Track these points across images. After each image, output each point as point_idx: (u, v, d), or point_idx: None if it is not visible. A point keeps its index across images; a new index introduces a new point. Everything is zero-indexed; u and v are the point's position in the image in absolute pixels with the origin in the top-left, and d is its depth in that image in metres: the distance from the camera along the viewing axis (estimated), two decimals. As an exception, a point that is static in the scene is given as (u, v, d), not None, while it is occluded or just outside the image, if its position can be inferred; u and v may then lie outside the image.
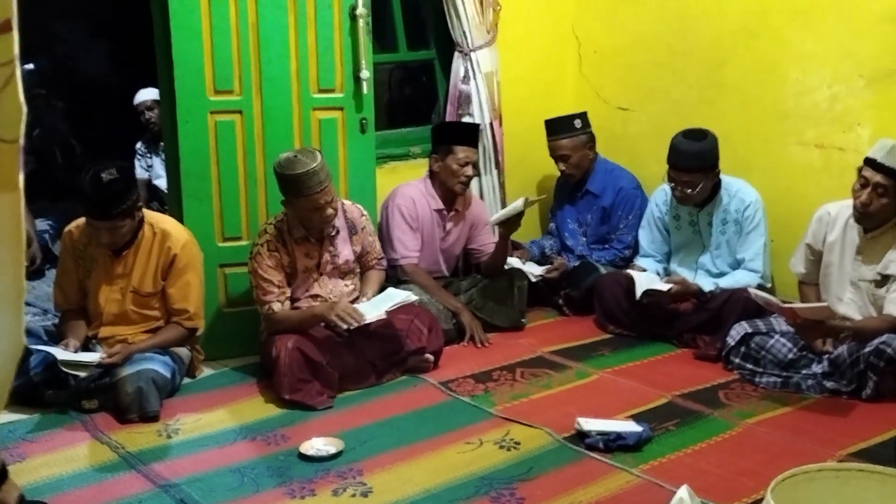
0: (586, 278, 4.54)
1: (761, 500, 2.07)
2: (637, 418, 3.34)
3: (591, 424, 3.22)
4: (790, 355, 3.68)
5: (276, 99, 4.04)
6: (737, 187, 4.20)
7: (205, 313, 3.87)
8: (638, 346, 4.16)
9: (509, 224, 4.33)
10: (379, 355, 3.81)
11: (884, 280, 3.64)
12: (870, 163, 3.54)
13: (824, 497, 2.07)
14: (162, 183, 5.72)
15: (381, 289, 3.98)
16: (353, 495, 2.87)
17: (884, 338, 3.49)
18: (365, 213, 4.03)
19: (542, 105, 5.10)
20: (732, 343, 3.80)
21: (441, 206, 4.44)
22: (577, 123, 4.77)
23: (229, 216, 4.05)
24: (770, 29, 4.38)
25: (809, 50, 4.23)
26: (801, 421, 3.37)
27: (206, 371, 3.95)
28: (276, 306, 3.73)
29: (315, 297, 3.85)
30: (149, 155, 6.10)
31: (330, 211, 3.70)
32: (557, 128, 4.77)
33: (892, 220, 3.61)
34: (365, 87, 4.17)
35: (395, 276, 4.30)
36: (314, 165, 3.57)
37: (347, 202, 4.00)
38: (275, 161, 3.67)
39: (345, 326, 3.62)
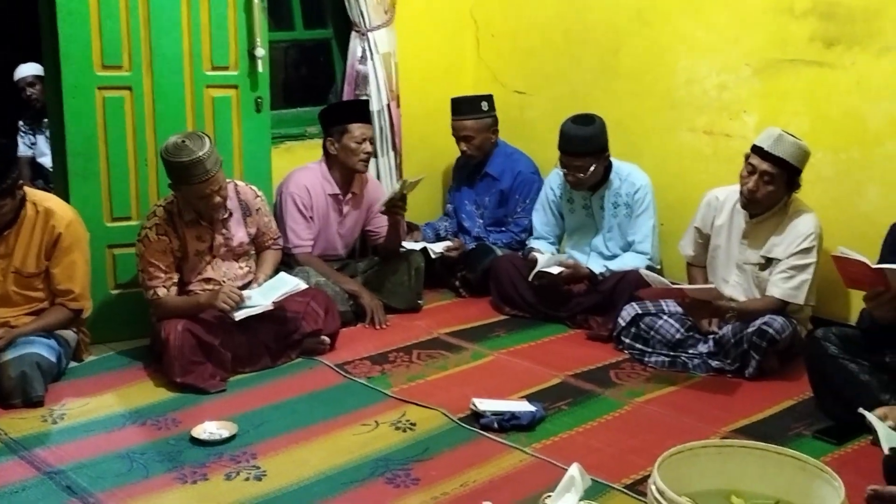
0: (483, 260, 4.58)
1: (649, 476, 2.13)
2: (531, 398, 3.40)
3: (485, 405, 3.26)
4: (678, 335, 3.79)
5: (168, 75, 3.94)
6: (627, 171, 4.29)
7: (92, 295, 3.75)
8: (532, 328, 4.22)
9: (394, 209, 4.32)
10: (273, 337, 3.76)
11: (767, 263, 3.78)
12: (757, 151, 3.66)
13: (707, 472, 2.14)
14: (47, 161, 5.54)
15: (277, 270, 3.93)
16: (247, 479, 2.84)
17: (766, 318, 3.63)
18: (260, 194, 3.96)
19: (440, 87, 5.11)
20: (623, 324, 3.89)
21: (337, 190, 4.40)
22: (484, 106, 4.79)
23: (118, 195, 3.94)
24: (662, 17, 4.48)
25: (700, 39, 4.34)
26: (688, 399, 3.48)
27: (93, 354, 3.84)
28: (161, 292, 3.65)
29: (208, 280, 3.79)
30: (32, 132, 5.87)
31: (217, 199, 3.63)
32: (464, 108, 4.78)
33: (777, 206, 3.75)
34: (260, 66, 4.11)
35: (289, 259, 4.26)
36: (201, 154, 3.49)
37: (241, 183, 3.94)
38: (162, 145, 3.59)
39: (229, 310, 3.57)
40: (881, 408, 2.46)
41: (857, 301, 3.60)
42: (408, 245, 4.56)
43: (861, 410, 2.42)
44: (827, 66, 3.89)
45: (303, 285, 3.80)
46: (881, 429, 2.31)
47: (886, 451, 2.29)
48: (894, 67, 3.69)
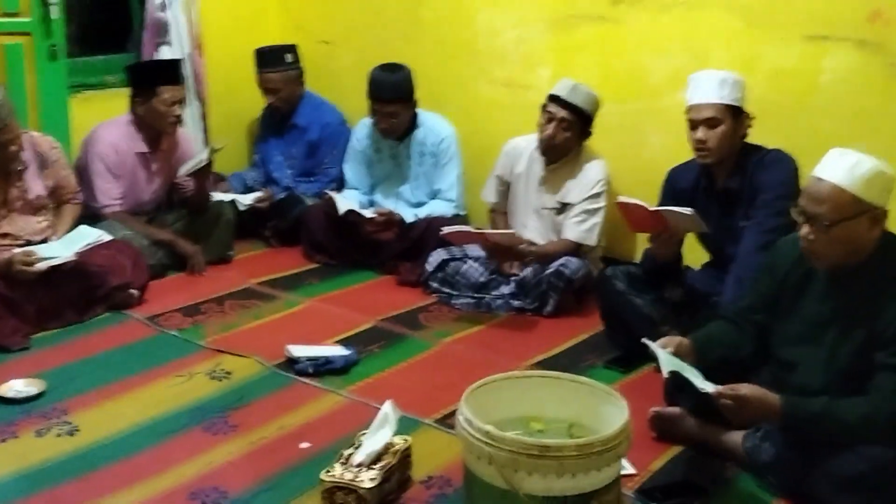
0: (293, 210, 4.62)
1: (457, 409, 2.27)
2: (344, 343, 3.50)
3: (300, 351, 3.33)
4: (482, 278, 3.99)
5: (-47, 22, 3.73)
6: (433, 122, 4.43)
7: None
8: (344, 275, 4.31)
9: (201, 173, 4.28)
10: (79, 291, 3.68)
11: (563, 208, 4.03)
12: (555, 99, 3.88)
13: (510, 401, 2.32)
14: None
15: (76, 224, 3.83)
16: (59, 435, 2.81)
17: (563, 260, 3.88)
18: (56, 145, 3.83)
19: (244, 36, 5.06)
20: (431, 269, 4.04)
21: (145, 148, 4.28)
22: (289, 58, 4.77)
23: None
24: (463, -29, 4.61)
25: (498, -7, 4.51)
26: (492, 337, 3.68)
27: None
28: (-52, 249, 3.50)
29: (4, 235, 3.64)
30: None
31: (11, 150, 3.49)
32: (268, 60, 4.74)
33: (571, 153, 3.99)
34: (53, 12, 3.94)
35: (93, 214, 4.13)
36: None
37: (37, 134, 3.80)
38: (-48, 95, 3.41)
39: (31, 273, 3.47)
40: (662, 338, 2.70)
41: (641, 241, 3.90)
42: (216, 196, 4.53)
43: (644, 340, 2.65)
44: (613, 22, 4.14)
45: (106, 237, 3.72)
46: (661, 356, 2.54)
47: (666, 376, 2.54)
48: (673, 24, 3.98)
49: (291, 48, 4.82)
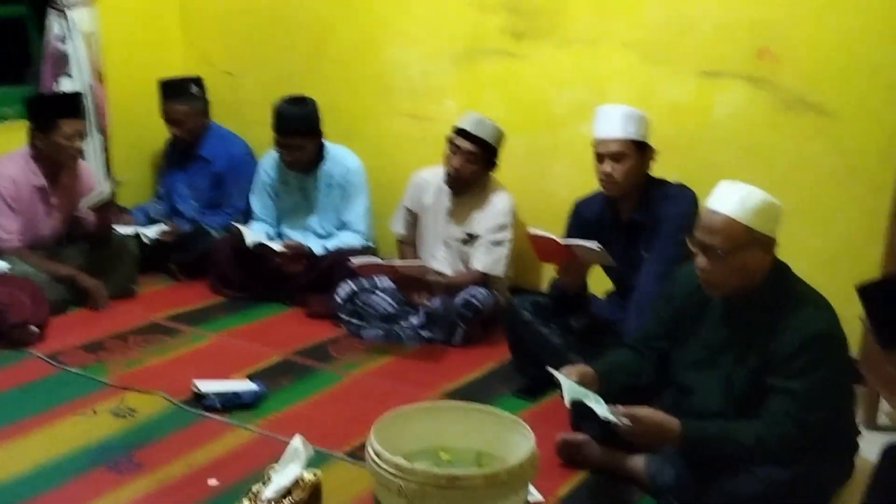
0: (199, 243, 4.57)
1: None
2: (253, 377, 3.47)
3: (207, 386, 3.29)
4: (391, 309, 4.00)
5: None
6: (340, 154, 4.45)
7: None
8: (252, 308, 4.28)
9: (103, 206, 4.21)
10: (-25, 330, 3.58)
11: (470, 239, 4.08)
12: (460, 132, 3.95)
13: (419, 432, 2.35)
14: None
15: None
16: (-44, 479, 2.72)
17: (471, 291, 3.93)
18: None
19: (147, 67, 4.99)
20: (340, 301, 4.05)
21: (44, 182, 4.18)
22: (193, 89, 4.73)
23: None
24: (369, 7, 4.64)
25: (404, 28, 4.55)
26: (402, 368, 3.70)
27: None
28: None
29: None
30: None
31: None
32: (172, 91, 4.69)
33: (478, 184, 4.06)
34: (-51, 42, 3.84)
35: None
36: None
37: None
38: None
39: None
40: (567, 366, 2.76)
41: (547, 272, 3.99)
42: (119, 230, 4.45)
43: (548, 369, 2.71)
44: (517, 56, 4.24)
45: (5, 267, 3.63)
46: (565, 384, 2.60)
47: (567, 405, 2.59)
48: (573, 59, 4.09)
49: (196, 79, 4.79)
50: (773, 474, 2.44)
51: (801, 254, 2.97)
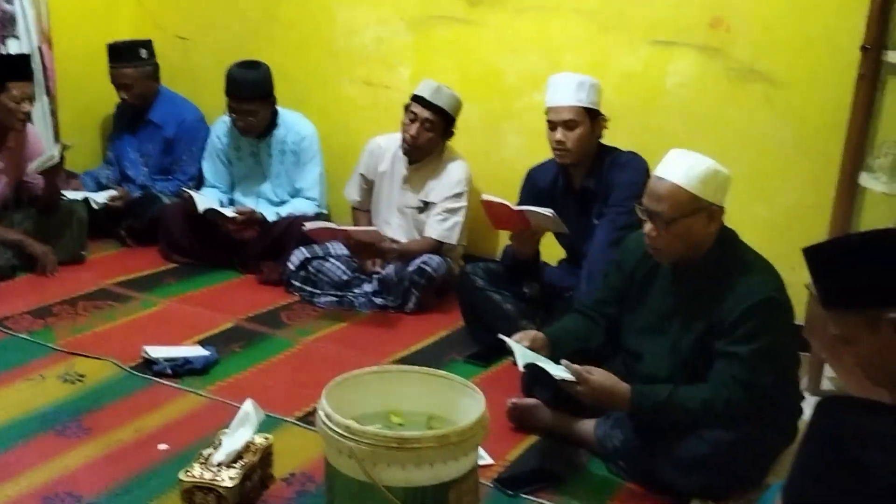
0: (149, 209, 4.51)
1: (318, 405, 2.29)
2: (204, 343, 3.45)
3: (157, 352, 3.27)
4: (344, 277, 4.00)
5: None
6: (293, 120, 4.41)
7: None
8: (203, 275, 4.24)
9: (51, 171, 4.13)
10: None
11: (425, 206, 4.09)
12: (419, 100, 3.93)
13: (370, 396, 2.35)
14: None
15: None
16: None
17: (425, 258, 3.94)
18: None
19: (96, 30, 4.90)
20: (293, 268, 4.03)
21: (-11, 146, 4.12)
22: (143, 53, 4.64)
23: None
24: (322, -30, 4.60)
25: (357, -7, 4.53)
26: (354, 335, 3.70)
27: None
28: None
29: None
30: None
31: None
32: (121, 55, 4.60)
33: (435, 152, 4.05)
34: None
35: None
36: None
37: None
38: None
39: None
40: (518, 333, 2.79)
41: (500, 240, 4.00)
42: (68, 195, 4.38)
43: (500, 336, 2.74)
44: (472, 23, 4.22)
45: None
46: (517, 350, 2.63)
47: (521, 369, 2.62)
48: (528, 27, 4.09)
49: (146, 43, 4.70)
50: (718, 437, 2.50)
51: (748, 222, 3.03)
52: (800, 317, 2.97)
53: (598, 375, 2.56)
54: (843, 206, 3.34)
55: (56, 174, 4.16)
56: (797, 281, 2.80)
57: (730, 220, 2.62)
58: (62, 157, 4.09)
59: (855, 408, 0.98)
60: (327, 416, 2.12)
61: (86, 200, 4.39)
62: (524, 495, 2.58)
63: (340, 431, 2.07)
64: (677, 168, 2.50)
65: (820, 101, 3.54)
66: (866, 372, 1.74)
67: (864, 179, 3.22)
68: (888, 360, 1.66)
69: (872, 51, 3.20)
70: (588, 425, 2.82)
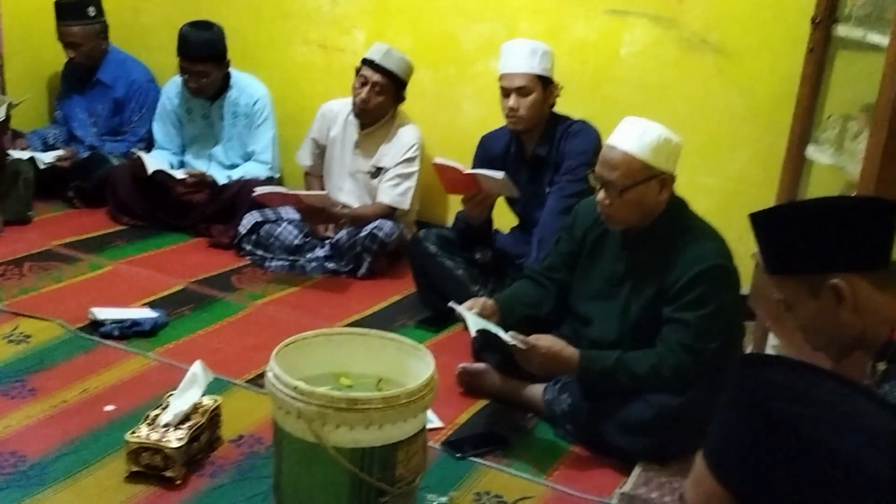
0: (98, 170, 4.43)
1: (268, 367, 2.28)
2: (153, 305, 3.42)
3: (105, 314, 3.24)
4: (296, 241, 3.98)
5: None
6: (246, 82, 4.36)
7: None
8: (153, 237, 4.19)
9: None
10: None
11: (377, 171, 4.07)
12: (369, 63, 3.90)
13: (320, 358, 2.34)
14: None
15: None
16: None
17: (377, 223, 3.93)
18: None
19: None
20: (244, 231, 4.00)
21: (-67, 101, 4.01)
22: (91, 11, 4.54)
23: None
24: (277, -70, 4.53)
25: (311, -47, 4.47)
26: (306, 299, 3.69)
27: None
28: None
29: None
30: None
31: None
32: (68, 12, 4.49)
33: (386, 117, 4.03)
34: None
35: None
36: None
37: None
38: None
39: None
40: (470, 300, 2.80)
41: (453, 206, 4.01)
42: (14, 154, 4.29)
43: (451, 304, 2.74)
44: (428, -12, 4.21)
45: None
46: (469, 317, 2.64)
47: (474, 335, 2.63)
48: (485, -7, 4.09)
49: (95, 1, 4.59)
50: (663, 401, 2.54)
51: (698, 191, 3.06)
52: (745, 286, 3.02)
53: (546, 340, 2.58)
54: (789, 178, 3.38)
55: (1, 133, 4.07)
56: (744, 250, 2.85)
57: (679, 189, 2.65)
58: (8, 116, 4.01)
59: (777, 365, 0.99)
60: (276, 376, 2.12)
61: (32, 160, 4.30)
62: (472, 458, 2.61)
63: (289, 392, 2.07)
64: (630, 136, 2.52)
65: (770, 74, 3.58)
66: (807, 337, 1.78)
67: (811, 152, 3.27)
68: (828, 324, 1.70)
69: (822, 24, 3.24)
70: (536, 390, 2.85)
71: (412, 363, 2.32)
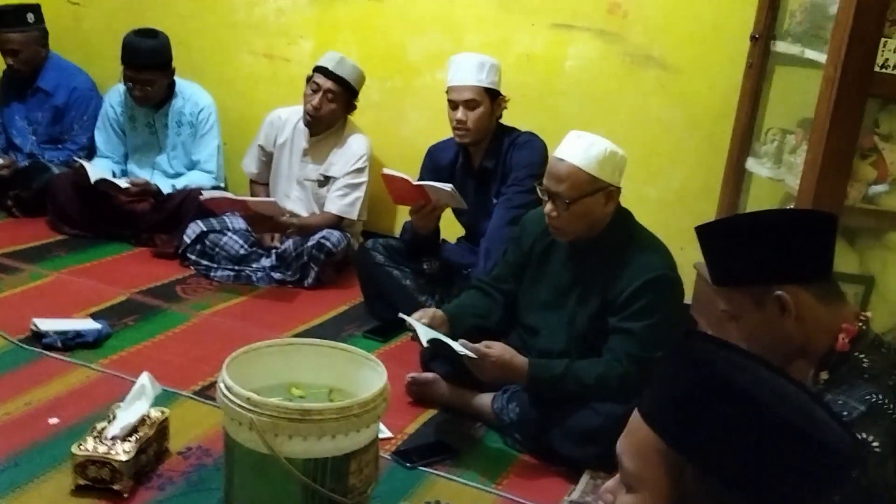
0: (38, 178, 4.36)
1: (217, 381, 2.27)
2: (96, 316, 3.37)
3: (47, 325, 3.18)
4: (242, 251, 3.95)
5: None
6: (191, 91, 4.33)
7: None
8: (95, 247, 4.13)
9: None
10: None
11: (325, 180, 4.07)
12: (322, 70, 3.89)
13: (270, 368, 2.34)
14: None
15: None
16: None
17: (324, 233, 3.93)
18: None
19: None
20: (189, 241, 3.96)
21: None
22: (30, 17, 4.47)
23: None
24: (223, -62, 4.51)
25: (259, -37, 4.46)
26: (252, 309, 3.67)
27: None
28: None
29: None
30: None
31: None
32: (7, 19, 4.41)
33: (336, 126, 4.03)
34: None
35: None
36: None
37: None
38: None
39: None
40: (419, 311, 2.81)
41: (401, 216, 4.02)
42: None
43: (401, 315, 2.75)
44: (375, -1, 4.23)
45: None
46: (419, 327, 2.66)
47: (425, 345, 2.64)
48: (431, 5, 4.10)
49: (34, 7, 4.52)
50: (610, 409, 2.58)
51: (640, 203, 3.12)
52: (688, 296, 3.08)
53: (497, 349, 2.61)
54: (730, 190, 3.48)
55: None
56: (685, 261, 2.92)
57: (623, 200, 2.70)
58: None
59: (724, 344, 1.04)
60: (228, 387, 2.11)
61: (-31, 169, 4.22)
62: (422, 468, 2.62)
63: (241, 403, 2.06)
64: (576, 149, 2.57)
65: (710, 88, 3.67)
66: (751, 346, 1.84)
67: (751, 164, 3.36)
68: (772, 333, 1.75)
69: (761, 40, 3.34)
70: (485, 399, 2.87)
71: (363, 373, 2.33)
